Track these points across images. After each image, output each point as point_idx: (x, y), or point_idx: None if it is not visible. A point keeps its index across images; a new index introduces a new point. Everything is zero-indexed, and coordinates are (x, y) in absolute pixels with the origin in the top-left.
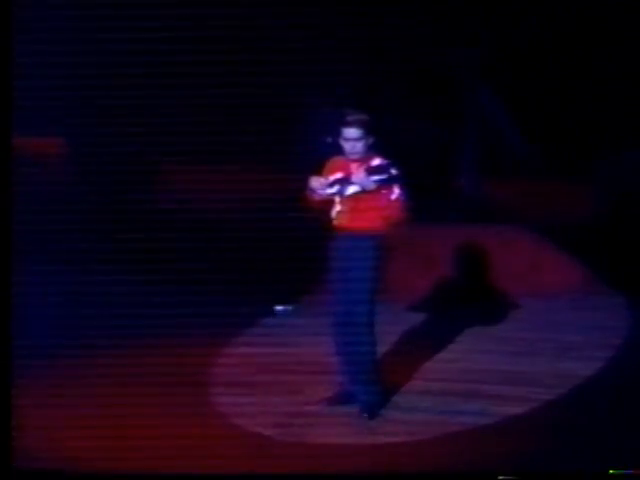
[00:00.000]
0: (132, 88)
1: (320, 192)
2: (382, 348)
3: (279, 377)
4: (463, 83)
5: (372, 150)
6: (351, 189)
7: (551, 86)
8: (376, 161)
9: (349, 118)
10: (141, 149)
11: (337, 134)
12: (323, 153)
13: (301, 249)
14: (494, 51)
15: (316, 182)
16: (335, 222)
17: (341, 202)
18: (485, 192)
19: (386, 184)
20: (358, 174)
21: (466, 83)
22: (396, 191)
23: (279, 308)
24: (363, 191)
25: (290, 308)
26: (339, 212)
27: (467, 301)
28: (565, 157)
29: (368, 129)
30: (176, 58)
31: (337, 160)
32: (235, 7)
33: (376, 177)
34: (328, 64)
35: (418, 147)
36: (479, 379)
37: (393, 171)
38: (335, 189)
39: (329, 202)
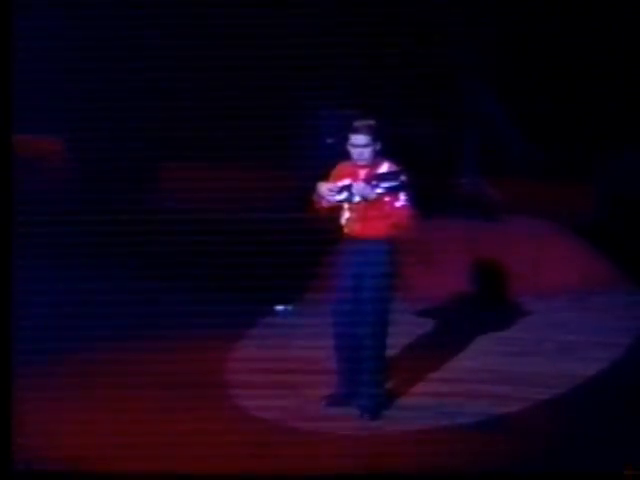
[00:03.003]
0: (133, 87)
1: (329, 199)
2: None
3: (279, 377)
4: (463, 83)
5: (380, 156)
6: (358, 196)
7: (551, 86)
8: (383, 168)
9: (357, 124)
10: (142, 148)
11: (344, 140)
12: (327, 155)
13: (302, 249)
14: (494, 51)
15: (324, 188)
16: (345, 229)
17: (350, 209)
18: (485, 192)
19: (391, 192)
20: (358, 184)
21: (466, 83)
22: (401, 198)
23: (279, 308)
24: (366, 200)
25: (290, 308)
26: (349, 219)
27: (467, 301)
28: (565, 157)
29: (376, 135)
30: (177, 57)
31: (345, 166)
32: (237, 7)
33: (380, 185)
34: (328, 65)
35: (418, 147)
36: (479, 379)
37: (398, 179)
38: (344, 196)
39: (337, 208)
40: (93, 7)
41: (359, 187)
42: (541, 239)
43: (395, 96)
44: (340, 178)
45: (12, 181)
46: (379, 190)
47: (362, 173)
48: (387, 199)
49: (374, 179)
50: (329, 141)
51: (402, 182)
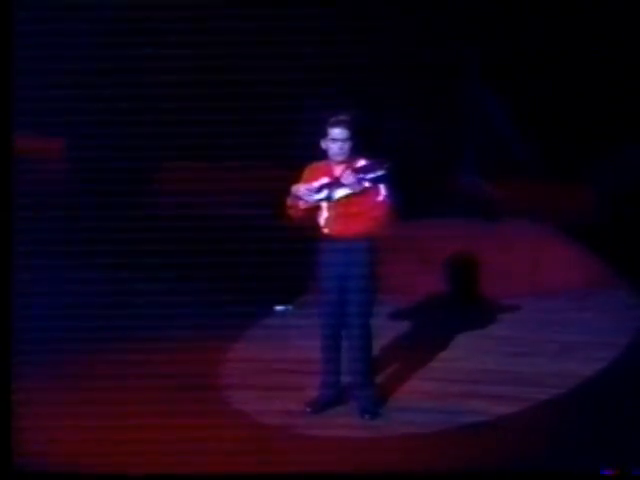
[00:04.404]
0: (133, 87)
1: (307, 199)
2: (383, 348)
3: (279, 377)
4: (463, 83)
5: (355, 152)
6: (340, 192)
7: (551, 86)
8: (362, 162)
9: (336, 119)
10: (141, 148)
11: (322, 136)
12: (313, 155)
13: (301, 248)
14: (494, 50)
15: (302, 189)
16: (325, 229)
17: (329, 207)
18: (485, 192)
19: (375, 183)
20: (347, 176)
21: (466, 83)
22: (382, 193)
23: (279, 308)
24: (352, 194)
25: (290, 308)
26: (328, 218)
27: (467, 301)
28: (565, 157)
29: (354, 130)
30: (177, 57)
31: (318, 166)
32: (235, 8)
33: (365, 177)
34: (327, 64)
35: (418, 147)
36: (479, 379)
37: (383, 168)
38: (324, 195)
39: (314, 208)
40: (94, 7)
41: (349, 179)
42: (541, 239)
43: (395, 96)
44: (316, 178)
45: (12, 181)
46: (366, 183)
47: (339, 170)
48: (368, 194)
49: (359, 172)
50: (324, 146)
51: (381, 174)
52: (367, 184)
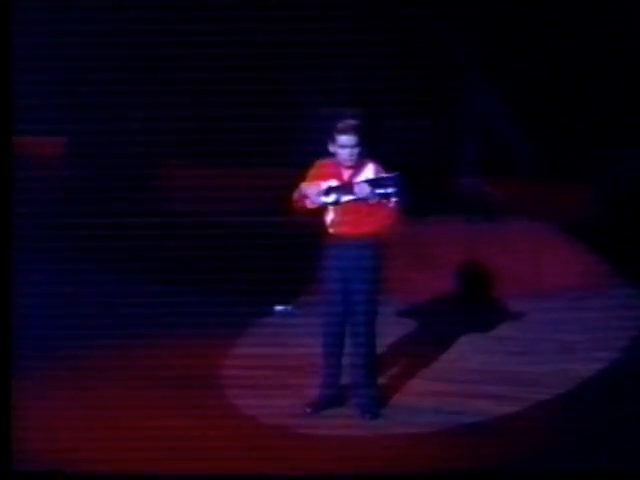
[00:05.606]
0: (132, 87)
1: (315, 200)
2: (382, 348)
3: (279, 376)
4: (463, 82)
5: (363, 155)
6: (348, 197)
7: (552, 86)
8: (368, 168)
9: (344, 125)
10: (141, 149)
11: (330, 141)
12: (317, 154)
13: (301, 248)
14: (495, 50)
15: (310, 190)
16: (332, 229)
17: (335, 209)
18: (485, 192)
19: (387, 197)
20: (361, 188)
21: (466, 82)
22: (391, 200)
23: (279, 308)
24: (361, 200)
25: (290, 308)
26: (334, 219)
27: (467, 301)
28: (566, 157)
29: (362, 134)
30: (176, 57)
31: (327, 164)
32: (235, 7)
33: (378, 191)
34: (327, 63)
35: (418, 146)
36: (479, 379)
37: (392, 188)
38: (332, 199)
39: (320, 208)
40: (93, 7)
41: (364, 190)
42: (541, 239)
43: (395, 95)
44: (323, 178)
45: (12, 181)
46: (378, 197)
47: (347, 173)
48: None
49: (371, 184)
50: (332, 150)
51: (395, 190)
52: (379, 197)
